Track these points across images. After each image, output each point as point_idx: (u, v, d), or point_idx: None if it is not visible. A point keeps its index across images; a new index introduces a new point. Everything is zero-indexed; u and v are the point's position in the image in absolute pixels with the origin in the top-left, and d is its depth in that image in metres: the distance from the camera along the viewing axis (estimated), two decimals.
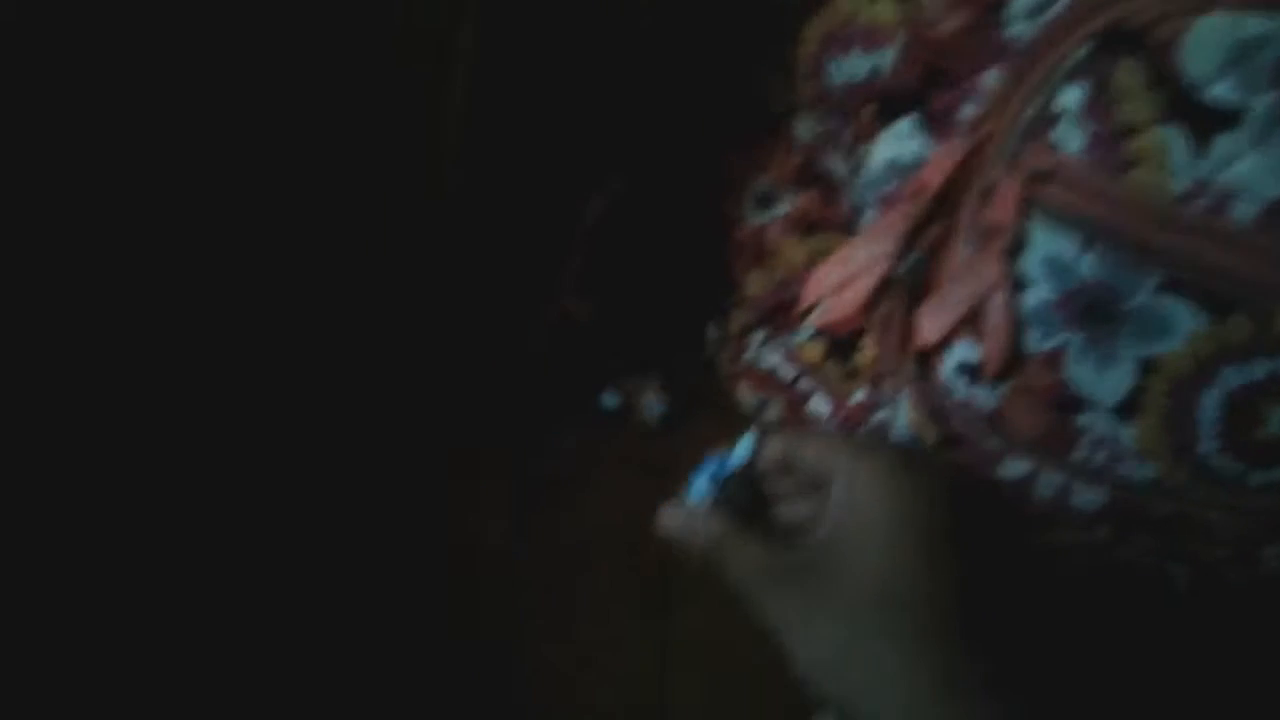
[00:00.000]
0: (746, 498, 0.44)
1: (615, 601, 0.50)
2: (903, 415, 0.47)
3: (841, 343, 0.52)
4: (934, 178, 0.40)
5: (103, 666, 0.41)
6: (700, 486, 0.43)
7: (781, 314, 0.53)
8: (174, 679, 0.41)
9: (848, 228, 0.50)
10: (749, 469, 0.44)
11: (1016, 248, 0.40)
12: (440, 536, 0.50)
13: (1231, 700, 0.47)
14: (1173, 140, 0.36)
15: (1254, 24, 0.34)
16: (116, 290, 0.44)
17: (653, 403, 0.55)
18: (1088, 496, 0.44)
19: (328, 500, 0.48)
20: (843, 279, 0.43)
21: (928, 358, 0.44)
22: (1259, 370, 0.39)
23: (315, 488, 0.49)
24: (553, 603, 0.49)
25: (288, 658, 0.43)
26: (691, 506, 0.43)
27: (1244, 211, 0.37)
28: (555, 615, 0.49)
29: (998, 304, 0.40)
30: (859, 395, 0.51)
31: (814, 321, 0.51)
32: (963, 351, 0.43)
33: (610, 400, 0.55)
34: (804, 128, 0.49)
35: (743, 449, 0.44)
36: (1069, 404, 0.42)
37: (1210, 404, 0.40)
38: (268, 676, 0.43)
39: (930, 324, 0.41)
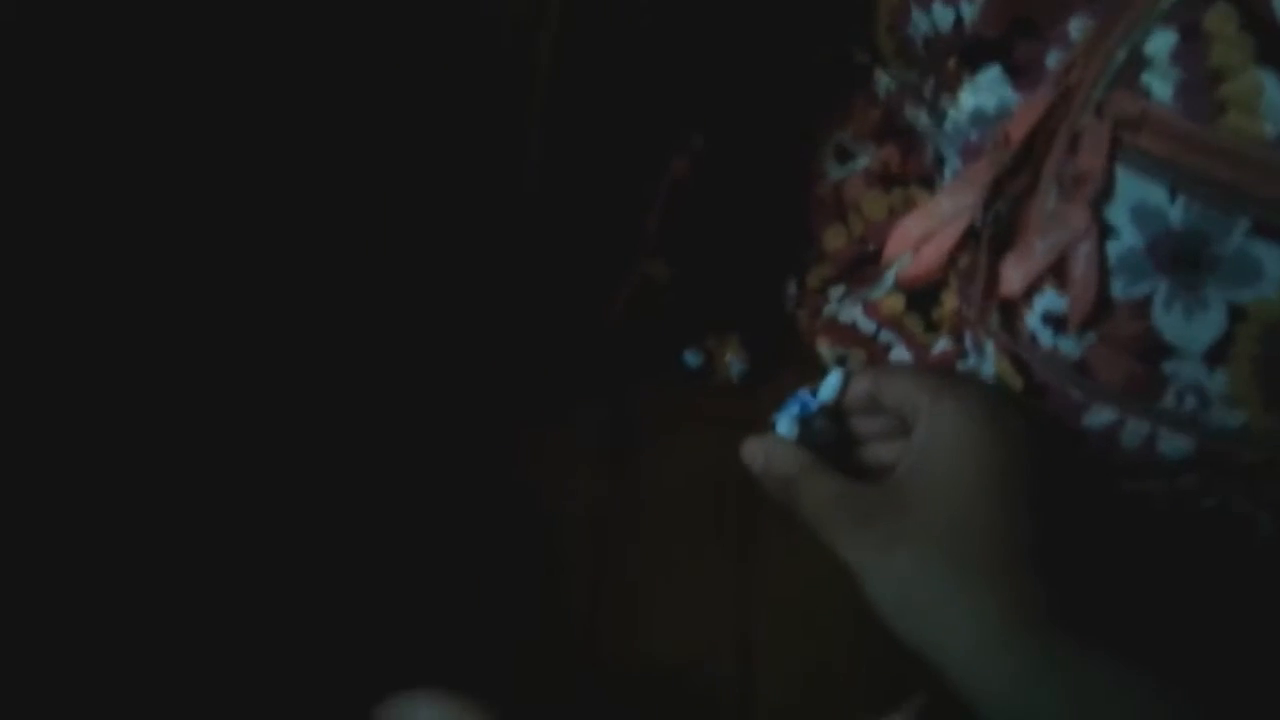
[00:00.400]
0: (831, 435, 0.44)
1: (700, 554, 0.51)
2: (988, 365, 0.47)
3: (922, 295, 0.52)
4: (1019, 128, 0.40)
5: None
6: (785, 423, 0.44)
7: (862, 268, 0.54)
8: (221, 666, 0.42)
9: (929, 181, 0.51)
10: (834, 407, 0.44)
11: (1104, 196, 0.40)
12: (530, 493, 0.51)
13: None
14: (1267, 83, 0.36)
15: None
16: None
17: (734, 360, 0.56)
18: (1175, 444, 0.44)
19: (415, 458, 0.50)
20: (926, 231, 0.43)
21: (1012, 307, 0.44)
22: None
23: (403, 446, 0.50)
24: (640, 555, 0.51)
25: (370, 618, 0.44)
26: (774, 439, 0.43)
27: None
28: (642, 568, 0.50)
29: (1085, 252, 0.40)
30: (941, 345, 0.52)
31: (897, 276, 0.52)
32: (1048, 301, 0.43)
33: (693, 359, 0.56)
34: (884, 81, 0.49)
35: (829, 387, 0.45)
36: (1156, 351, 0.42)
37: None
38: (346, 630, 0.44)
39: (1015, 274, 0.42)
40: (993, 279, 0.43)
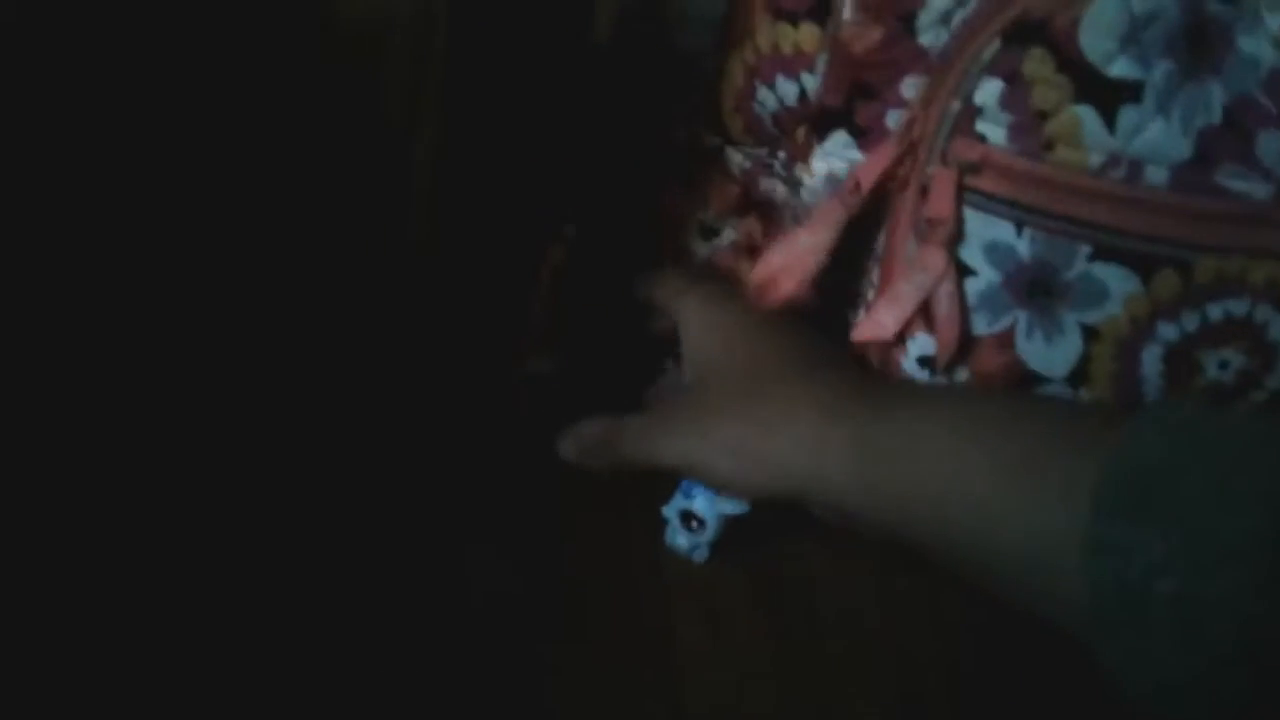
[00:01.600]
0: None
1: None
2: None
3: None
4: (869, 175, 0.43)
5: (112, 665, 0.40)
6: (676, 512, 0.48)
7: None
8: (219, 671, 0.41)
9: None
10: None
11: (957, 238, 0.42)
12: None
13: None
14: (1085, 118, 0.40)
15: (1140, 3, 0.38)
16: (140, 290, 0.44)
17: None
18: None
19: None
20: (785, 262, 0.45)
21: (888, 353, 0.46)
22: (1189, 322, 0.42)
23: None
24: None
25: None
26: (576, 428, 0.47)
27: (1156, 176, 0.40)
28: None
29: (946, 292, 0.43)
30: None
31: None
32: (920, 345, 0.45)
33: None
34: (736, 159, 0.52)
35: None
36: (1024, 380, 0.44)
37: (1151, 360, 0.43)
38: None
39: (887, 317, 0.44)
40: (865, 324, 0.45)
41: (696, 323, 0.48)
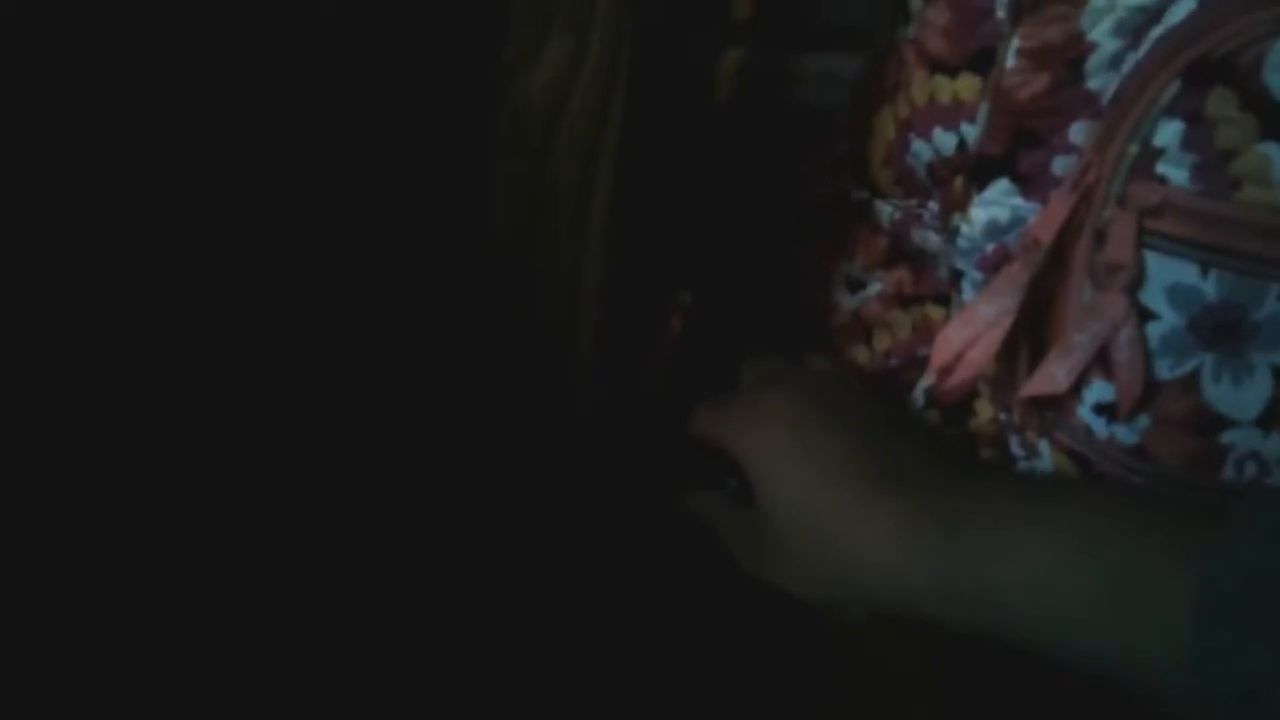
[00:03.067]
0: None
1: None
2: (1043, 463, 0.47)
3: (956, 409, 0.53)
4: (1047, 229, 0.42)
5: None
6: None
7: (885, 387, 0.55)
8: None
9: (944, 298, 0.52)
10: None
11: (1137, 282, 0.41)
12: None
13: None
14: (1274, 155, 0.39)
15: None
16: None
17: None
18: None
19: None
20: (969, 338, 0.44)
21: (1060, 404, 0.45)
22: None
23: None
24: None
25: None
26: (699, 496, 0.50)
27: None
28: None
29: (1126, 339, 0.42)
30: (985, 456, 0.52)
31: (928, 392, 0.53)
32: (1097, 392, 0.44)
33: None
34: (886, 211, 0.51)
35: None
36: (1210, 425, 0.43)
37: None
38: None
39: (1059, 370, 0.43)
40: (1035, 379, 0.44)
41: (750, 452, 0.47)
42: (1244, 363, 0.42)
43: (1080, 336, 0.43)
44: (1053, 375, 0.44)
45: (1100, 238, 0.42)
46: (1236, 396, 0.42)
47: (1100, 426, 0.45)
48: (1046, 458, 0.47)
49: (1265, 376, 0.42)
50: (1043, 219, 0.42)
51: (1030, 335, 0.46)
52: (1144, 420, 0.44)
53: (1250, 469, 0.44)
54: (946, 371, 0.45)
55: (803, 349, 0.56)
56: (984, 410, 0.52)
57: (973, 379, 0.45)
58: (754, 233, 0.57)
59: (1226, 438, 0.43)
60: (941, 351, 0.45)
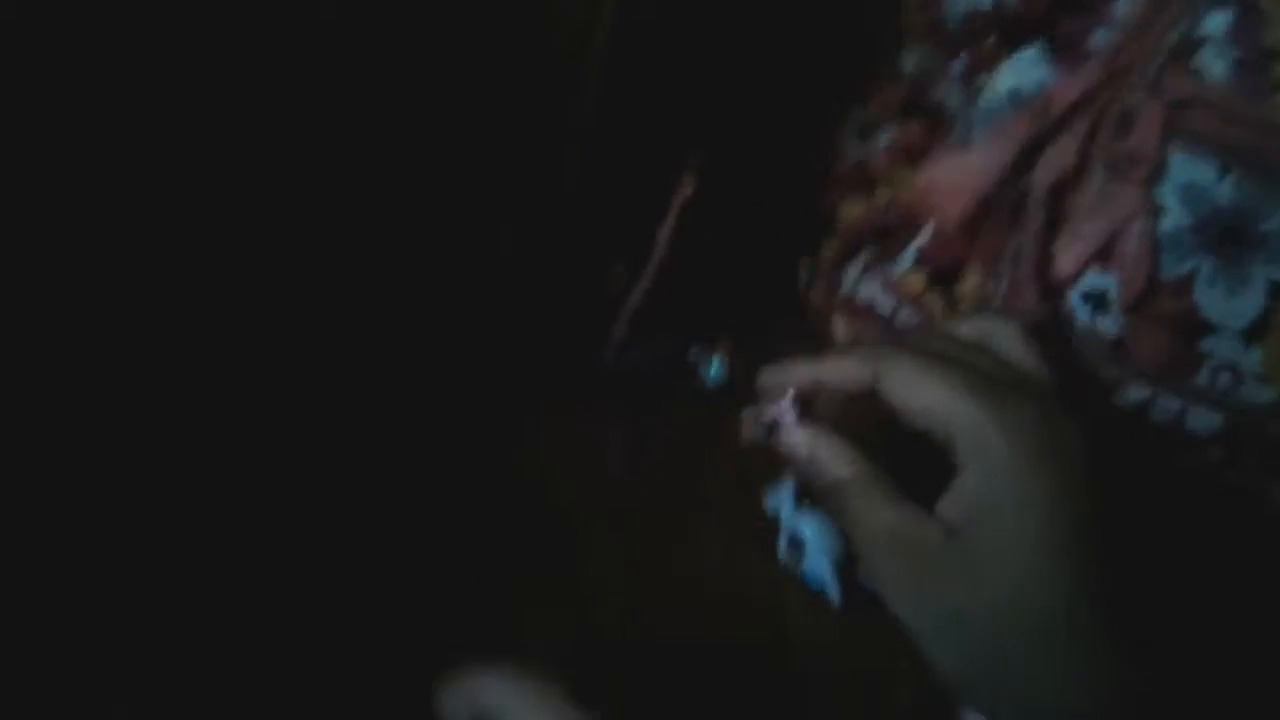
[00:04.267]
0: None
1: (728, 534, 0.50)
2: None
3: (944, 272, 0.52)
4: (1064, 96, 0.40)
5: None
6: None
7: (882, 239, 0.54)
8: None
9: None
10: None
11: (1156, 176, 0.40)
12: (556, 489, 0.51)
13: None
14: None
15: None
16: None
17: (715, 363, 0.54)
18: (1204, 420, 0.45)
19: (432, 454, 0.49)
20: (952, 179, 0.43)
21: (1053, 287, 0.44)
22: None
23: (419, 442, 0.49)
24: (667, 539, 0.50)
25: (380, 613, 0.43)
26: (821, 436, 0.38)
27: None
28: (671, 551, 0.49)
29: (1137, 232, 0.41)
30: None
31: (919, 250, 0.51)
32: (1090, 280, 0.43)
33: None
34: (911, 60, 0.49)
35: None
36: (1195, 329, 0.42)
37: None
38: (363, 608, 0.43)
39: (1067, 256, 0.42)
40: (1043, 259, 0.43)
41: (1011, 478, 0.34)
42: (1242, 272, 0.41)
43: (1091, 225, 0.42)
44: (1060, 260, 0.44)
45: (1125, 125, 0.40)
46: (1228, 305, 0.42)
47: (1085, 314, 0.44)
48: None
49: (1260, 289, 0.41)
50: (1063, 87, 0.40)
51: (1042, 213, 0.45)
52: (1130, 316, 0.43)
53: (1224, 379, 0.43)
54: (914, 207, 0.44)
55: (797, 196, 0.55)
56: (972, 277, 0.51)
57: (937, 225, 0.44)
58: (766, 97, 0.54)
59: (1206, 344, 0.43)
60: (922, 181, 0.44)
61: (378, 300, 0.48)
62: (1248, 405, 0.44)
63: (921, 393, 0.35)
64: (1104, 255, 0.42)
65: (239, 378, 0.46)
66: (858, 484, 0.36)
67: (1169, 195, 0.40)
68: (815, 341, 0.56)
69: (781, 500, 0.49)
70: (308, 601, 0.44)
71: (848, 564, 0.48)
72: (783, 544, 0.49)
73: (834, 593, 0.47)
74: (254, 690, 0.42)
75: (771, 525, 0.50)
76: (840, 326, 0.56)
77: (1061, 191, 0.42)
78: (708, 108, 0.49)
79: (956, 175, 0.44)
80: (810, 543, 0.48)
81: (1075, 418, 0.37)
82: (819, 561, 0.47)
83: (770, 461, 0.52)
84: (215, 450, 0.46)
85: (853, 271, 0.55)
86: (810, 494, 0.49)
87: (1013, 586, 0.33)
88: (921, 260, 0.52)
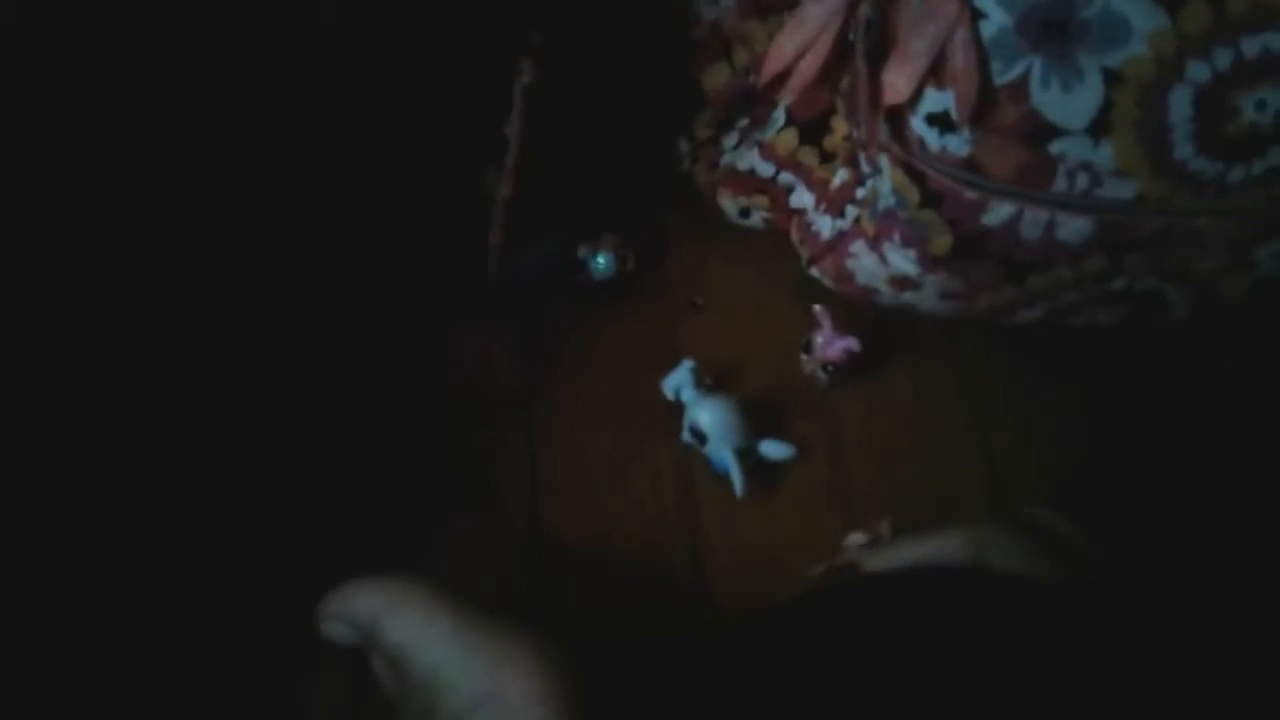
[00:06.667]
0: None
1: (634, 437, 0.50)
2: (886, 181, 0.46)
3: (812, 126, 0.51)
4: None
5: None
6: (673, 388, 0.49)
7: (748, 107, 0.53)
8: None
9: None
10: None
11: None
12: (460, 390, 0.51)
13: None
14: None
15: None
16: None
17: (601, 257, 0.54)
18: (1074, 226, 0.44)
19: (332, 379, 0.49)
20: (801, 44, 0.42)
21: (898, 115, 0.44)
22: (1222, 60, 0.39)
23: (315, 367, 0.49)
24: (574, 441, 0.50)
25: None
26: None
27: None
28: (578, 452, 0.49)
29: (961, 40, 0.40)
30: (841, 176, 0.51)
31: (786, 108, 0.51)
32: (929, 101, 0.42)
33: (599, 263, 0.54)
34: None
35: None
36: (1040, 133, 0.42)
37: (1180, 104, 0.40)
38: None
39: (899, 79, 0.41)
40: (876, 90, 0.42)
41: None
42: (1073, 66, 0.40)
43: (918, 43, 0.41)
44: (894, 84, 0.43)
45: None
46: (1066, 103, 0.41)
47: (933, 138, 0.44)
48: (886, 175, 0.46)
49: (1095, 81, 0.40)
50: None
51: (872, 45, 0.44)
52: (976, 131, 0.42)
53: (1082, 180, 0.43)
54: (781, 79, 0.44)
55: (661, 72, 0.54)
56: (839, 127, 0.51)
57: (810, 86, 0.44)
58: None
59: (1056, 147, 0.42)
60: (774, 59, 0.43)
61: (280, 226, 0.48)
62: (1111, 204, 0.43)
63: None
64: (936, 73, 0.41)
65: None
66: None
67: None
68: (704, 219, 0.56)
69: (679, 384, 0.49)
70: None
71: (747, 451, 0.48)
72: (685, 432, 0.48)
73: (738, 479, 0.47)
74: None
75: (666, 406, 0.50)
76: (726, 199, 0.55)
77: (884, 18, 0.42)
78: None
79: (803, 34, 0.43)
80: (710, 432, 0.47)
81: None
82: (720, 451, 0.47)
83: (662, 343, 0.53)
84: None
85: (729, 142, 0.55)
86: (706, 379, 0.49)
87: None
88: (790, 120, 0.52)
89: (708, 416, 0.47)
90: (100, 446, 0.43)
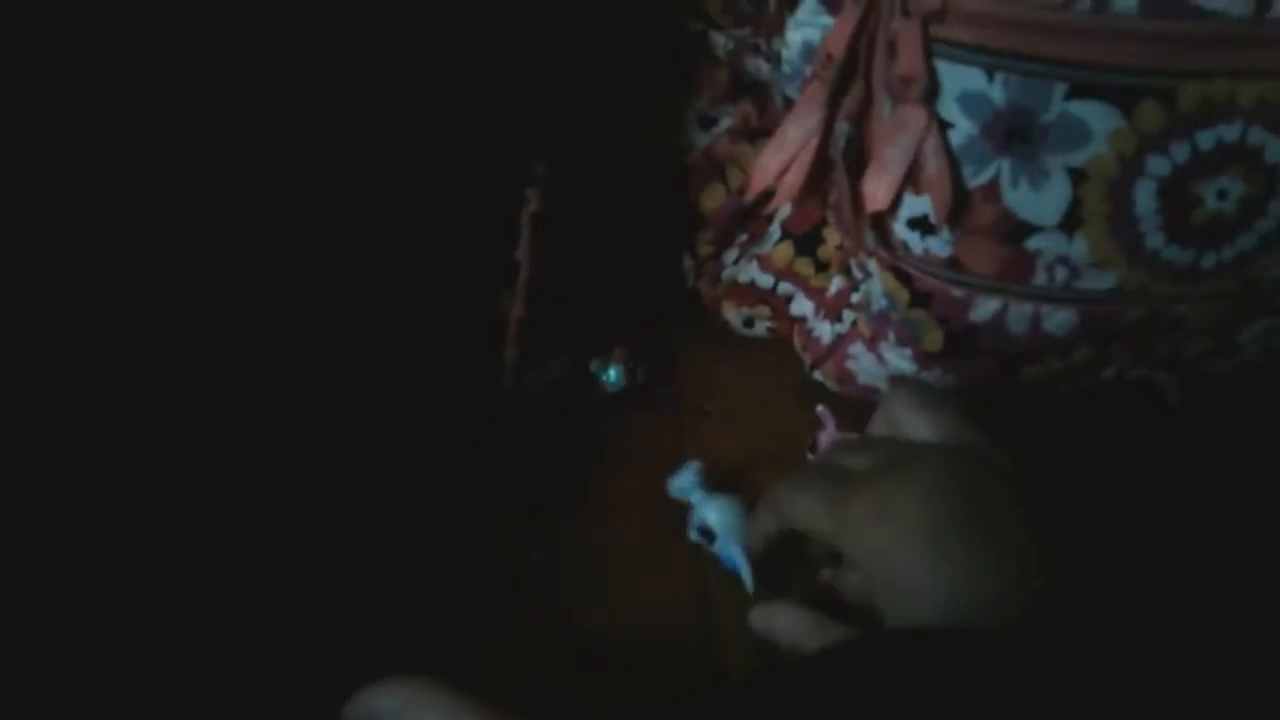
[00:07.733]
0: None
1: (649, 532, 0.51)
2: (877, 284, 0.49)
3: (806, 238, 0.54)
4: (836, 43, 0.42)
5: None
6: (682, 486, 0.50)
7: (745, 224, 0.56)
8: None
9: None
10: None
11: (932, 92, 0.42)
12: (479, 493, 0.52)
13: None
14: None
15: None
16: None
17: (612, 372, 0.56)
18: (1059, 318, 0.46)
19: (352, 486, 0.50)
20: (782, 163, 0.45)
21: (881, 222, 0.46)
22: (1179, 153, 0.41)
23: (337, 474, 0.50)
24: (591, 540, 0.51)
25: (319, 636, 0.44)
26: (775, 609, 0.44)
27: (1124, 3, 0.39)
28: (596, 551, 0.51)
29: (932, 148, 0.43)
30: (836, 283, 0.53)
31: (781, 224, 0.54)
32: (910, 207, 0.45)
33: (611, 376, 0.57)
34: (720, 42, 0.52)
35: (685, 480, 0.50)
36: (1016, 231, 0.44)
37: (1145, 197, 0.42)
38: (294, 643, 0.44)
39: (878, 187, 0.44)
40: (858, 199, 0.45)
41: (875, 565, 0.38)
42: (1039, 167, 0.42)
43: (891, 151, 0.44)
44: (874, 193, 0.45)
45: (892, 50, 0.42)
46: (1036, 201, 0.43)
47: (916, 241, 0.46)
48: (877, 279, 0.49)
49: (1061, 179, 0.42)
50: (833, 34, 0.42)
51: (851, 156, 0.47)
52: (955, 232, 0.45)
53: (1060, 273, 0.45)
54: (766, 197, 0.46)
55: (663, 197, 0.57)
56: (831, 238, 0.53)
57: (794, 198, 0.46)
58: (608, 80, 0.56)
59: (1032, 243, 0.44)
60: (759, 177, 0.46)
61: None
62: (1092, 294, 0.45)
63: (794, 514, 0.42)
64: (913, 180, 0.44)
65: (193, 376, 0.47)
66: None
67: (951, 108, 0.42)
68: (711, 330, 0.59)
69: (687, 485, 0.50)
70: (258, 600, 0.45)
71: None
72: (692, 531, 0.50)
73: (747, 576, 0.48)
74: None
75: (679, 510, 0.51)
76: (731, 311, 0.58)
77: (861, 129, 0.44)
78: (541, 118, 0.51)
79: (784, 155, 0.46)
80: (718, 529, 0.49)
81: (988, 452, 0.40)
82: (729, 549, 0.48)
83: (673, 449, 0.55)
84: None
85: (730, 257, 0.57)
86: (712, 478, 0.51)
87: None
88: (785, 233, 0.54)
89: (715, 515, 0.49)
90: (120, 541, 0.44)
